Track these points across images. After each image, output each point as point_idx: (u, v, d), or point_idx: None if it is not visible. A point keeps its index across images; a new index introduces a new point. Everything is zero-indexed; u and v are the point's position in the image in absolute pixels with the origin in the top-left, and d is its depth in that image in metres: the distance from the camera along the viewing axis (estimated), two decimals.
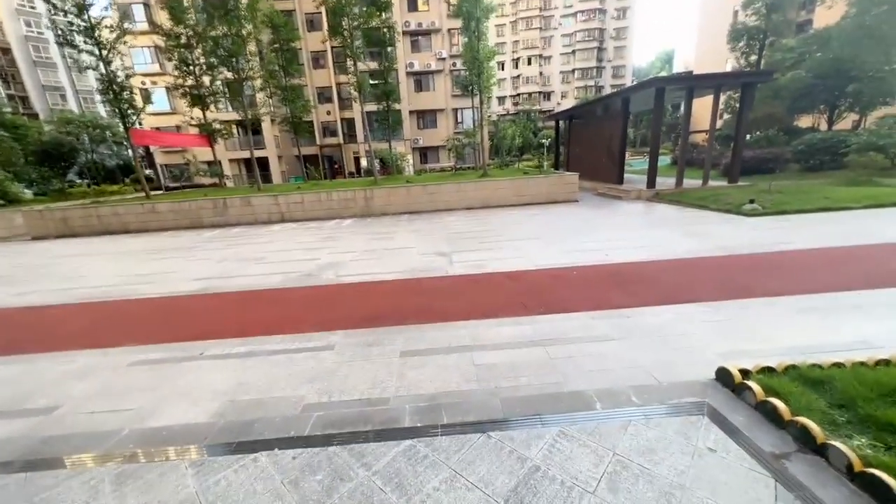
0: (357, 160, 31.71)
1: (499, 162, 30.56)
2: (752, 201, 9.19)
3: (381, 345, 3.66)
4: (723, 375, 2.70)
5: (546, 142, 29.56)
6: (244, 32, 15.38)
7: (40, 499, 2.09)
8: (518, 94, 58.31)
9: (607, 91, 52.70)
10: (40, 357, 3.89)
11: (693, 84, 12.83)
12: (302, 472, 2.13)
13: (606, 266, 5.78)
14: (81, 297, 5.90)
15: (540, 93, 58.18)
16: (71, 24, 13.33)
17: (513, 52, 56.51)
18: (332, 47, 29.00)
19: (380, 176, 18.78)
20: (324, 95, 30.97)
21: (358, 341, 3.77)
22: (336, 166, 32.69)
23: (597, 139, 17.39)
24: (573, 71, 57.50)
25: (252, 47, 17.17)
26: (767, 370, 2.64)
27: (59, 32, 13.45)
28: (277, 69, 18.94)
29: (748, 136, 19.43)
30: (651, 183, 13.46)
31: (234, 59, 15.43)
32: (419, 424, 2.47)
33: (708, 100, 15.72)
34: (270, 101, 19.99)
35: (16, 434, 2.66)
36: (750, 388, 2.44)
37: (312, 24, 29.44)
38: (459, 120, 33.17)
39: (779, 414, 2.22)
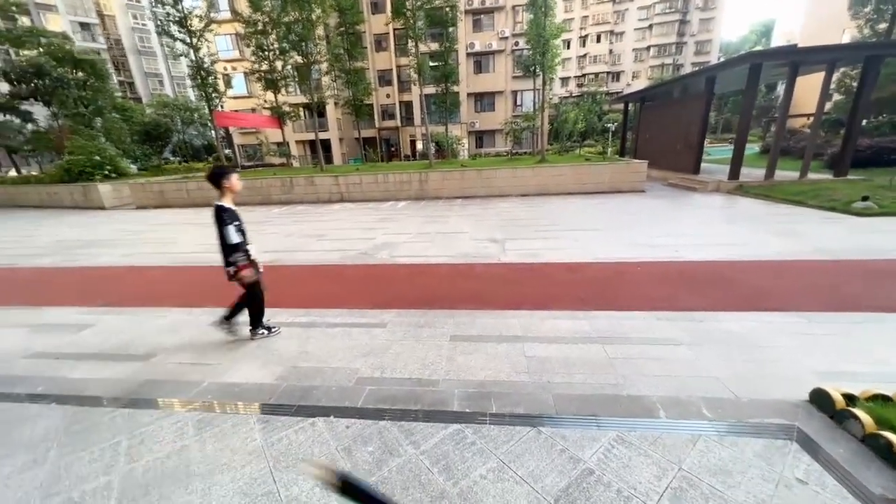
0: (413, 143, 32.10)
1: (558, 147, 29.17)
2: (865, 198, 7.82)
3: (431, 327, 3.70)
4: (819, 398, 2.34)
5: (612, 126, 27.53)
6: (313, 17, 15.97)
7: (140, 432, 2.42)
8: (583, 75, 54.66)
9: (687, 70, 47.46)
10: (141, 311, 4.49)
11: (800, 59, 11.00)
12: (354, 442, 2.23)
13: (676, 263, 5.28)
14: (172, 262, 6.70)
15: (608, 73, 54.03)
16: (168, 14, 14.78)
17: (581, 28, 52.80)
18: (395, 30, 29.24)
19: (435, 159, 18.84)
20: (384, 78, 31.48)
21: (409, 321, 3.84)
22: (393, 149, 33.39)
23: (672, 124, 15.81)
24: (648, 48, 52.48)
25: (320, 31, 17.83)
26: (880, 398, 2.23)
27: (158, 22, 14.97)
28: (342, 52, 19.52)
29: (864, 122, 16.45)
30: (734, 173, 11.98)
31: (303, 44, 16.13)
32: (468, 410, 2.46)
33: (810, 79, 13.56)
34: (335, 84, 20.73)
35: (122, 375, 3.10)
36: (856, 417, 2.09)
37: (376, 7, 29.77)
38: (518, 103, 32.00)
39: (894, 452, 1.87)
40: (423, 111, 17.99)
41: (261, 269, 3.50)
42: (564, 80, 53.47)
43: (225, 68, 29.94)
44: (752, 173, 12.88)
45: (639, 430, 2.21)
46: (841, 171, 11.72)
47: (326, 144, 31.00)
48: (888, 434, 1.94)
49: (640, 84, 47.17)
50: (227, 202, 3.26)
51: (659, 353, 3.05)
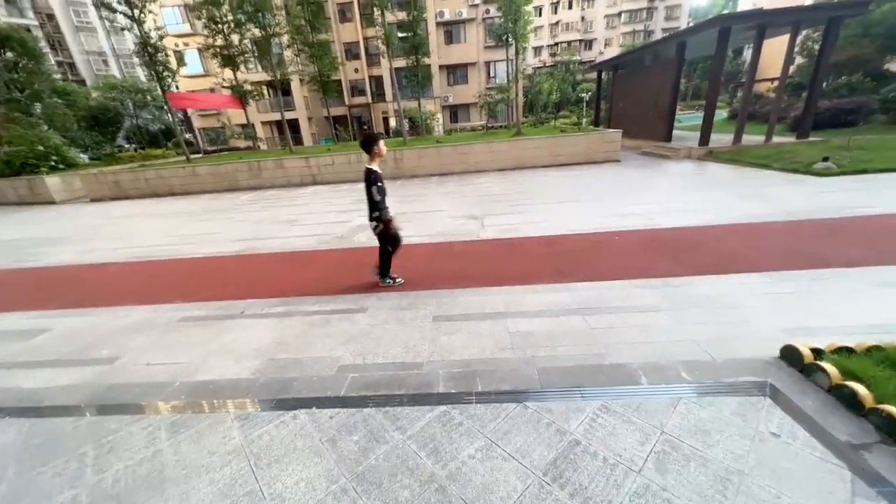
0: (386, 120, 31.07)
1: (533, 119, 28.93)
2: (825, 159, 8.14)
3: (413, 309, 3.63)
4: (789, 354, 2.43)
5: (586, 96, 27.41)
6: None
7: (107, 440, 2.28)
8: (556, 44, 53.72)
9: (658, 36, 47.40)
10: (102, 311, 4.20)
11: (767, 21, 11.08)
12: (339, 432, 2.17)
13: (651, 231, 5.37)
14: (135, 256, 6.30)
15: (581, 41, 53.31)
16: None
17: None
18: None
19: (409, 136, 18.30)
20: (351, 52, 29.96)
21: (391, 305, 3.76)
22: (365, 127, 32.22)
23: (644, 92, 15.83)
24: (619, 14, 51.93)
25: (278, 0, 16.58)
26: (844, 350, 2.34)
27: None
28: (304, 24, 18.28)
29: (824, 84, 16.97)
30: (704, 139, 12.22)
31: (260, 14, 15.00)
32: (453, 391, 2.44)
33: (774, 43, 13.79)
34: (298, 58, 19.53)
35: (84, 381, 2.91)
36: (823, 370, 2.18)
37: None
38: (492, 74, 31.28)
39: (858, 400, 1.97)
40: (393, 86, 17.30)
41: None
42: (537, 50, 52.47)
43: (176, 44, 27.68)
44: (721, 139, 13.17)
45: (622, 398, 2.25)
46: (803, 133, 12.14)
47: (295, 125, 29.58)
48: (852, 384, 2.04)
49: (613, 52, 46.84)
50: (374, 166, 3.71)
51: (639, 320, 3.10)
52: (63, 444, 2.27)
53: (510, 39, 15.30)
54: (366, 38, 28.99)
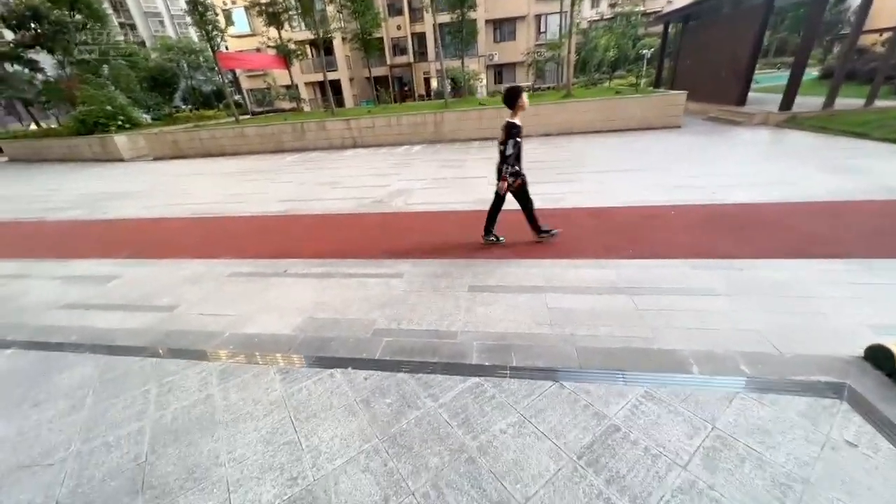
0: (427, 81, 30.06)
1: (586, 80, 26.70)
2: None
3: (449, 277, 3.58)
4: (876, 354, 2.12)
5: (647, 53, 24.69)
6: None
7: (167, 381, 2.49)
8: None
9: None
10: (164, 262, 4.55)
11: None
12: (373, 394, 2.22)
13: (714, 206, 4.84)
14: (191, 213, 6.71)
15: None
16: None
17: None
18: None
19: (451, 98, 17.62)
20: (394, 7, 28.70)
21: (426, 271, 3.73)
22: (406, 88, 31.45)
23: (717, 47, 13.92)
24: None
25: None
26: None
27: None
28: None
29: None
30: (787, 103, 10.66)
31: None
32: (487, 363, 2.39)
33: None
34: (340, 14, 19.04)
35: (148, 325, 3.19)
36: None
37: None
38: (542, 29, 28.91)
39: None
40: (437, 43, 16.48)
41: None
42: (595, 1, 47.37)
43: (224, 2, 27.92)
44: (807, 102, 11.41)
45: (669, 387, 2.09)
46: None
47: (337, 86, 29.45)
48: None
49: (683, 1, 41.22)
50: (517, 119, 3.65)
51: (693, 304, 2.85)
52: (131, 381, 2.52)
53: None
54: None
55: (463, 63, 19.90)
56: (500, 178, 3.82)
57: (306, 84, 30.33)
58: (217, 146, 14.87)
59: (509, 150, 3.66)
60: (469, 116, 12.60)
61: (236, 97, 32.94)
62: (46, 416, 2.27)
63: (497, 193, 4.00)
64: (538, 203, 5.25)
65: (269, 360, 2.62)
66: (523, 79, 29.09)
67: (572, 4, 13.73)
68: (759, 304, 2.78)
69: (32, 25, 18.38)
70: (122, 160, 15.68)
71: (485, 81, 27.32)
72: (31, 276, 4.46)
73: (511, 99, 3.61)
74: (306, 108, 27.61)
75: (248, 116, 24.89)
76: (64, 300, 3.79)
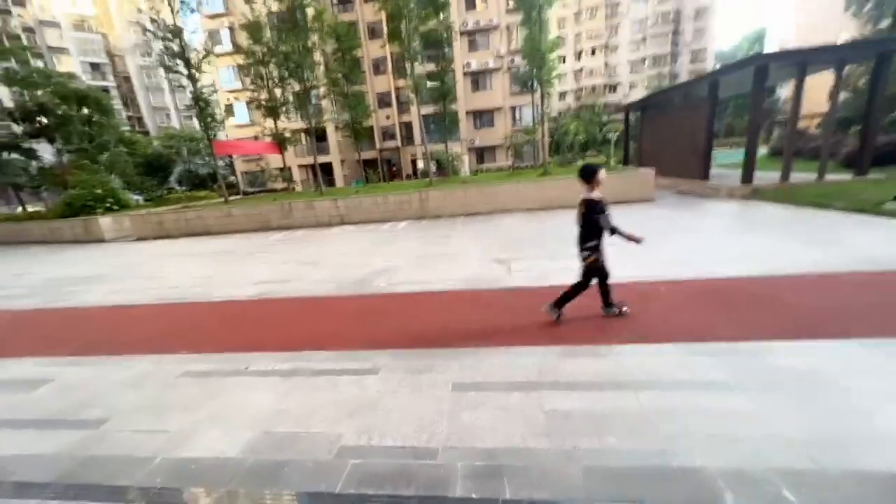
0: (414, 162, 32.16)
1: (559, 160, 28.97)
2: None
3: (431, 371, 3.18)
4: None
5: (613, 136, 27.31)
6: (310, 44, 16.12)
7: None
8: (580, 89, 55.14)
9: (683, 79, 47.70)
10: (109, 360, 4.03)
11: (807, 59, 10.63)
12: None
13: (704, 282, 4.73)
14: (157, 298, 6.28)
15: (605, 85, 54.50)
16: (167, 48, 14.99)
17: (575, 44, 53.55)
18: (392, 53, 29.73)
19: (435, 177, 18.60)
20: (383, 101, 31.87)
21: (406, 365, 3.33)
22: (394, 169, 33.47)
23: (675, 130, 15.44)
24: (643, 59, 53.11)
25: (317, 57, 18.00)
26: None
27: (158, 55, 15.19)
28: (340, 77, 19.66)
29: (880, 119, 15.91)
30: (748, 177, 11.47)
31: (300, 70, 16.21)
32: (474, 496, 1.92)
33: (813, 80, 13.17)
34: (333, 108, 20.84)
35: (64, 449, 2.61)
36: None
37: (374, 32, 30.43)
38: (518, 118, 32.08)
39: None
40: (422, 131, 17.88)
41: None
42: (562, 95, 53.89)
43: (228, 99, 30.56)
44: (765, 176, 12.34)
45: None
46: (861, 170, 11.17)
47: (328, 168, 31.16)
48: None
49: (638, 94, 47.37)
50: (595, 195, 3.66)
51: (704, 401, 2.50)
52: None
53: (535, 85, 15.60)
54: (397, 88, 30.85)
55: (447, 147, 21.47)
56: (586, 253, 3.84)
57: (299, 166, 32.02)
58: (203, 226, 14.87)
59: (603, 224, 3.70)
60: (453, 193, 13.10)
61: (231, 178, 34.34)
62: None
63: (588, 270, 3.91)
64: (523, 280, 5.06)
65: (201, 498, 2.08)
66: (503, 159, 31.43)
67: (542, 98, 15.35)
68: (780, 400, 2.45)
69: (39, 119, 19.47)
70: (102, 241, 15.42)
71: (467, 162, 29.34)
72: None
73: (588, 175, 3.66)
74: (298, 188, 28.75)
75: (238, 197, 25.60)
76: None
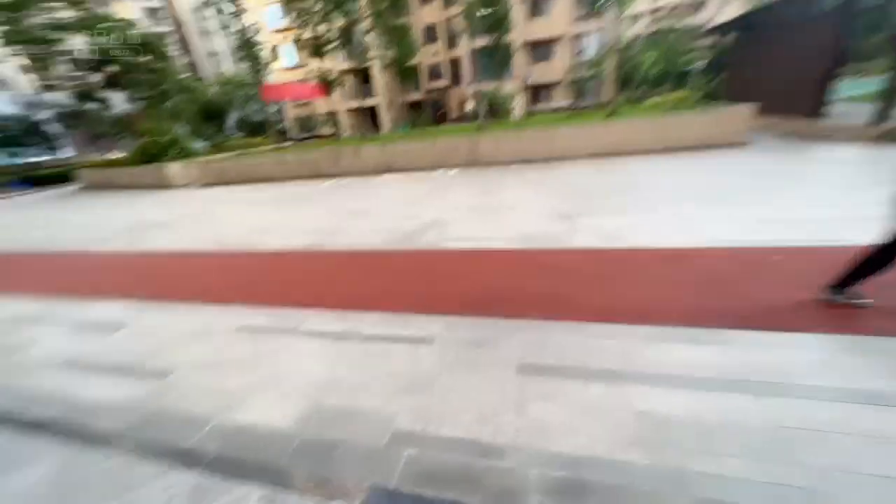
0: (463, 104, 30.14)
1: (627, 97, 25.49)
2: None
3: (491, 346, 2.83)
4: None
5: (696, 66, 23.20)
6: None
7: (132, 493, 1.92)
8: (657, 10, 46.72)
9: None
10: (176, 308, 4.17)
11: None
12: None
13: (833, 250, 3.76)
14: (219, 245, 6.48)
15: (690, 5, 45.58)
16: None
17: None
18: None
19: (487, 120, 17.21)
20: (431, 35, 29.37)
21: (462, 337, 3.00)
22: (441, 112, 31.74)
23: (784, 56, 12.51)
24: None
25: None
26: None
27: None
28: (384, 8, 18.07)
29: None
30: (884, 114, 9.08)
31: (344, 1, 15.02)
32: None
33: None
34: (378, 43, 19.52)
35: (134, 400, 2.68)
36: None
37: None
38: (580, 49, 28.24)
39: None
40: (473, 66, 16.26)
41: None
42: (634, 18, 46.16)
43: (275, 40, 29.91)
44: None
45: None
46: None
47: (374, 112, 30.28)
48: None
49: (732, 13, 39.17)
50: None
51: (869, 422, 1.89)
52: (87, 496, 1.97)
53: (607, 3, 13.16)
54: (446, 20, 28.10)
55: (499, 85, 19.56)
56: None
57: (346, 111, 31.46)
58: (258, 173, 15.29)
59: None
60: (507, 138, 12.00)
61: (282, 124, 34.83)
62: None
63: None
64: (592, 239, 4.42)
65: (251, 478, 1.97)
66: (560, 98, 28.39)
67: (617, 18, 12.97)
68: None
69: (108, 68, 20.41)
70: (174, 187, 16.53)
71: (521, 102, 26.88)
72: (45, 321, 4.22)
73: None
74: (345, 134, 28.48)
75: (289, 143, 25.95)
76: (65, 354, 3.43)
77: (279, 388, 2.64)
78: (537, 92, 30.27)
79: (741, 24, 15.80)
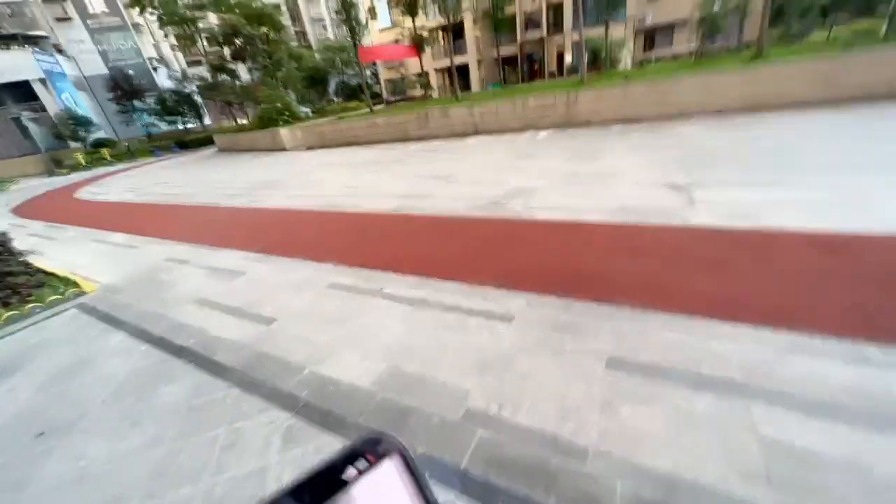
0: (560, 57, 27.24)
1: (781, 32, 20.10)
2: None
3: (577, 332, 2.57)
4: None
5: None
6: None
7: (236, 428, 2.25)
8: None
9: None
10: (281, 262, 4.69)
11: None
12: None
13: None
14: (317, 205, 7.07)
15: None
16: None
17: None
18: None
19: (589, 73, 15.28)
20: None
21: (545, 316, 2.78)
22: (536, 67, 29.22)
23: None
24: None
25: None
26: None
27: None
28: None
29: None
30: None
31: None
32: None
33: None
34: None
35: (246, 340, 3.11)
36: None
37: None
38: None
39: None
40: (577, 9, 14.31)
41: None
42: None
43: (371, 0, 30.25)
44: None
45: None
46: None
47: (465, 70, 29.22)
48: None
49: None
50: None
51: None
52: (208, 416, 2.36)
53: None
54: None
55: (607, 29, 17.04)
56: None
57: (436, 70, 30.95)
58: (353, 136, 16.18)
59: None
60: (609, 94, 10.53)
61: (376, 88, 35.97)
62: (133, 445, 2.24)
63: None
64: (712, 216, 3.68)
65: (336, 428, 2.13)
66: (683, 42, 23.76)
67: None
68: None
69: (235, 41, 23.06)
70: (285, 150, 18.52)
71: (633, 49, 23.24)
72: (189, 263, 5.14)
73: None
74: (435, 95, 28.25)
75: (381, 106, 26.76)
76: (200, 293, 4.14)
77: (362, 347, 2.79)
78: (653, 36, 25.72)
79: None
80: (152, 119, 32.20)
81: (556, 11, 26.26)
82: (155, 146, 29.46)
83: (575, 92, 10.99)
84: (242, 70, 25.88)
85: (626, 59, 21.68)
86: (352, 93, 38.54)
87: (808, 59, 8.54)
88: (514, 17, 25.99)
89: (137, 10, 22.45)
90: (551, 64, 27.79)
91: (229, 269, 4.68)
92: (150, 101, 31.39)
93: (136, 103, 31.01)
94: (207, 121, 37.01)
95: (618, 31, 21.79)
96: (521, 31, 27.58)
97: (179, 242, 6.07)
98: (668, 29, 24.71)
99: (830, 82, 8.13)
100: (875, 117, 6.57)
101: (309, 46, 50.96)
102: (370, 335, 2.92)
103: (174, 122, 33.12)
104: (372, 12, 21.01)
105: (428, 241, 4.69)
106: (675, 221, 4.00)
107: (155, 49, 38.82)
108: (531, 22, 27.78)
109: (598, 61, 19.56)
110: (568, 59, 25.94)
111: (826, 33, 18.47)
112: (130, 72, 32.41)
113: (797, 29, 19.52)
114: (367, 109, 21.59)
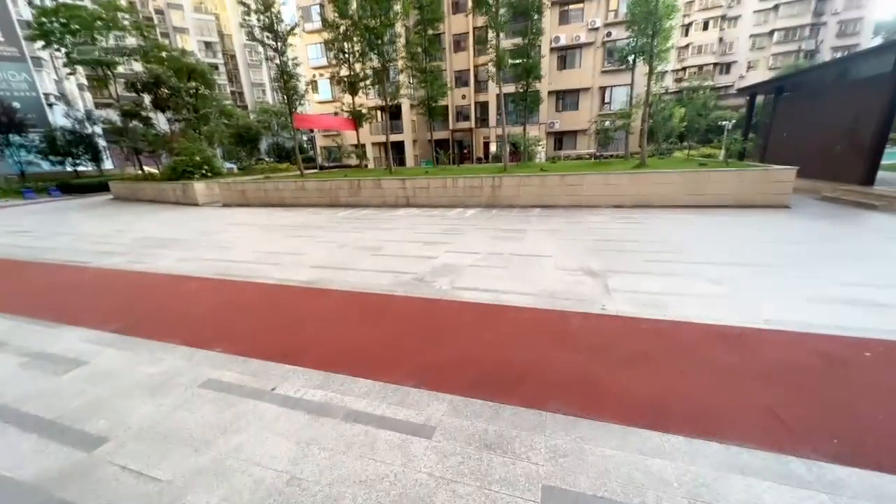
0: (486, 145, 30.64)
1: (652, 150, 25.31)
2: None
3: (506, 450, 2.16)
4: None
5: (728, 124, 23.01)
6: (391, 14, 15.41)
7: None
8: (683, 69, 48.06)
9: (825, 58, 39.08)
10: (144, 346, 3.66)
11: None
12: None
13: None
14: (217, 272, 6.06)
15: (715, 65, 46.80)
16: (259, 20, 15.34)
17: (684, 16, 46.38)
18: (474, 28, 28.08)
19: (510, 162, 17.11)
20: (461, 79, 30.53)
21: (470, 429, 2.35)
22: (465, 151, 32.29)
23: (826, 119, 12.06)
24: (771, 33, 44.47)
25: (398, 28, 17.32)
26: None
27: (249, 28, 15.68)
28: (420, 52, 18.81)
29: None
30: None
31: (380, 42, 15.64)
32: None
33: None
34: (411, 83, 20.19)
35: (47, 477, 2.10)
36: None
37: (457, 7, 28.96)
38: (607, 100, 28.69)
39: None
40: (500, 110, 16.39)
41: None
42: (660, 75, 47.43)
43: (314, 75, 31.66)
44: None
45: None
46: None
47: (400, 147, 31.03)
48: None
49: (757, 76, 39.75)
50: None
51: None
52: None
53: (641, 59, 13.20)
54: (476, 66, 29.24)
55: (524, 129, 19.72)
56: None
57: (373, 143, 32.37)
58: (279, 197, 15.35)
59: None
60: (530, 182, 11.66)
61: (311, 153, 36.07)
62: None
63: None
64: (628, 305, 3.75)
65: None
66: (583, 146, 28.53)
67: (649, 74, 12.89)
68: None
69: (156, 90, 21.70)
70: (196, 204, 16.76)
71: (545, 147, 27.10)
72: (5, 347, 3.77)
73: None
74: (370, 166, 29.07)
75: (315, 171, 26.56)
76: (1, 396, 2.92)
77: (224, 488, 2.01)
78: (560, 139, 30.56)
79: (779, 84, 15.62)
80: (31, 156, 27.60)
81: (483, 108, 30.15)
82: (26, 187, 24.82)
83: (500, 177, 11.98)
84: (162, 119, 24.14)
85: (541, 154, 25.06)
86: (286, 154, 38.02)
87: (678, 170, 10.54)
88: (447, 108, 29.09)
89: (41, 43, 20.30)
90: (478, 151, 31.02)
91: (65, 357, 3.49)
92: (36, 137, 27.22)
93: (14, 137, 26.55)
94: (109, 165, 32.94)
95: (533, 130, 25.46)
96: (452, 120, 30.78)
97: (1, 315, 4.56)
98: (573, 134, 29.66)
99: (695, 190, 10.02)
100: (731, 220, 8.04)
101: (245, 107, 50.55)
102: (240, 467, 2.15)
103: (61, 163, 28.74)
104: (314, 85, 21.83)
105: (342, 321, 4.10)
106: (596, 309, 4.05)
107: (56, 85, 34.93)
108: (461, 114, 31.33)
109: (518, 153, 22.27)
110: (493, 148, 29.22)
111: (685, 153, 23.76)
112: (15, 104, 28.21)
113: (664, 147, 24.82)
114: (298, 172, 21.16)
